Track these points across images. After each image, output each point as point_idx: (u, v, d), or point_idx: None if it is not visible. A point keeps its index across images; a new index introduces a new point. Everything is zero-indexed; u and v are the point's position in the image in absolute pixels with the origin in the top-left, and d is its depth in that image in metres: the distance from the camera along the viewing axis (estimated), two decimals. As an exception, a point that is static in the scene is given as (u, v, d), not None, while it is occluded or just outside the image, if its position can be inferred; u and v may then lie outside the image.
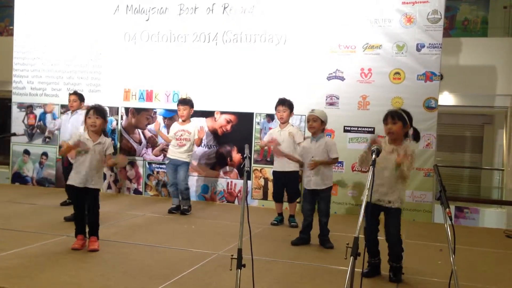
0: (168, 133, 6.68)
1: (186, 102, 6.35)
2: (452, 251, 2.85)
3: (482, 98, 8.80)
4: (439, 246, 5.11)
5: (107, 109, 5.32)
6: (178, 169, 6.30)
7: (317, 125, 4.94)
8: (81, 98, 6.38)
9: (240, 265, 2.71)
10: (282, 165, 5.76)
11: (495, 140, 10.02)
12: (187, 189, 6.38)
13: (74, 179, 4.45)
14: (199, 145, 6.58)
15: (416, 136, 3.95)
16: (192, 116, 6.77)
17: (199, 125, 6.54)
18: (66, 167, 5.87)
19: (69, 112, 6.46)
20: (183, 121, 6.36)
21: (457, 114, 9.77)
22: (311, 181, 4.91)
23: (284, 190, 5.94)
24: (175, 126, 6.44)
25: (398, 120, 3.84)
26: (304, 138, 5.71)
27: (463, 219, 8.64)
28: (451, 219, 2.94)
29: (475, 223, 8.44)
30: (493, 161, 10.13)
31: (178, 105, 6.40)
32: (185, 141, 6.27)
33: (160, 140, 7.47)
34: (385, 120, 3.90)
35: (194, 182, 7.23)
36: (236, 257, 2.72)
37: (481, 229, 7.26)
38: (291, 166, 5.68)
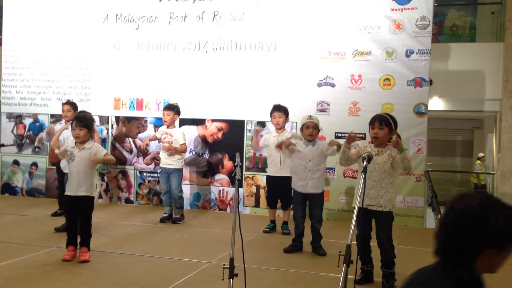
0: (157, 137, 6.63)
1: (171, 108, 6.35)
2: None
3: (471, 103, 8.87)
4: (432, 251, 5.10)
5: (95, 117, 5.28)
6: (171, 177, 6.28)
7: (317, 132, 4.98)
8: (74, 107, 6.34)
9: (232, 275, 2.68)
10: (276, 170, 5.76)
11: (485, 144, 10.10)
12: (181, 197, 6.35)
13: (68, 189, 4.48)
14: (174, 151, 6.25)
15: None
16: (183, 124, 6.75)
17: (182, 133, 6.39)
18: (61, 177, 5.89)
19: (62, 122, 6.44)
20: (167, 126, 6.34)
21: (447, 119, 9.84)
22: (307, 185, 4.89)
23: (278, 196, 5.92)
24: (162, 128, 6.48)
25: (385, 126, 3.89)
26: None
27: (455, 224, 8.67)
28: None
29: (466, 227, 8.47)
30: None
31: (163, 110, 6.42)
32: (167, 144, 6.25)
33: (151, 149, 7.44)
34: (372, 124, 3.94)
35: (186, 190, 7.19)
36: (228, 266, 2.70)
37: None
38: (286, 172, 5.63)
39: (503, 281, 4.29)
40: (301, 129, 5.02)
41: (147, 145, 7.35)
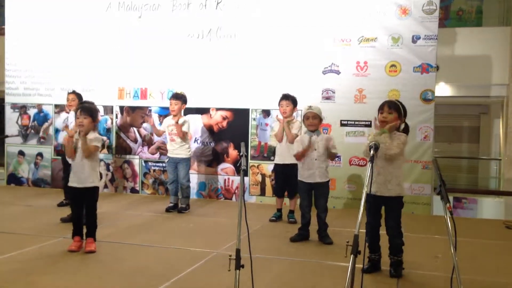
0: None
1: (178, 97, 6.29)
2: (453, 246, 2.82)
3: (478, 88, 8.77)
4: (439, 238, 5.08)
5: (99, 107, 5.24)
6: (178, 167, 6.26)
7: (317, 122, 4.93)
8: (79, 97, 6.33)
9: (238, 266, 2.67)
10: (283, 157, 5.71)
11: (491, 130, 10.01)
12: (188, 187, 6.34)
13: (73, 180, 4.44)
14: (180, 135, 6.19)
15: (406, 131, 3.93)
16: (188, 113, 6.71)
17: (187, 123, 6.30)
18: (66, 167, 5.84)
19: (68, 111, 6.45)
20: (174, 115, 6.29)
21: (454, 105, 9.74)
22: (315, 174, 4.84)
23: (285, 184, 5.86)
24: (168, 120, 6.41)
25: (395, 111, 3.83)
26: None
27: (461, 210, 8.63)
28: (451, 214, 2.91)
29: (473, 214, 8.43)
30: (490, 151, 10.13)
31: (170, 99, 6.35)
32: (175, 136, 6.22)
33: (155, 138, 7.42)
34: (381, 108, 3.88)
35: (191, 179, 7.14)
36: (234, 257, 2.68)
37: (480, 221, 7.25)
38: (293, 159, 5.49)
39: (505, 272, 4.26)
40: (303, 120, 5.01)
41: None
